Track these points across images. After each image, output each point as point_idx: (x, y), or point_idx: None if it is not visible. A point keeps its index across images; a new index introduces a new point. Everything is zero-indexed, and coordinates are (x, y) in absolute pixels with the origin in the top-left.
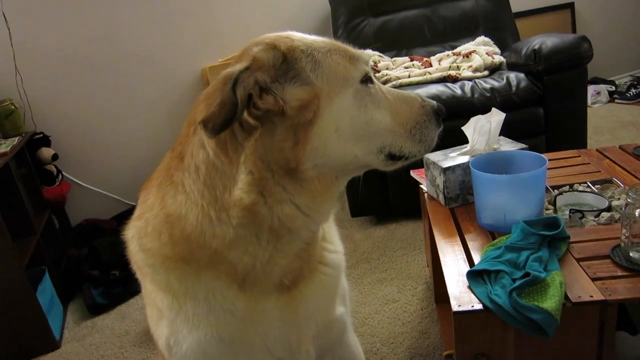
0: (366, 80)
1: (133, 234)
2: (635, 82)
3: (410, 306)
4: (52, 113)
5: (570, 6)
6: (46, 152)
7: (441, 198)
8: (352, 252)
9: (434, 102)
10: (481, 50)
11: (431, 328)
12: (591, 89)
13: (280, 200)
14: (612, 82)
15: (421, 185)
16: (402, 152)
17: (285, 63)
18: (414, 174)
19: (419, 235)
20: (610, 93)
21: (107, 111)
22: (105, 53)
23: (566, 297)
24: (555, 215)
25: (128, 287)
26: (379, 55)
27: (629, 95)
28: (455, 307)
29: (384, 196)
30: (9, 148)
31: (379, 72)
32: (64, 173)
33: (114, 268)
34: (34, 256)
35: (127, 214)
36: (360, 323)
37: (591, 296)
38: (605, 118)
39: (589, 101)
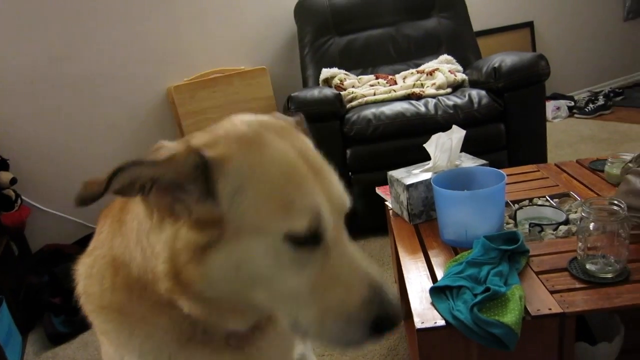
0: (301, 240)
1: (80, 273)
2: (593, 98)
3: None
4: (10, 135)
5: (530, 25)
6: (4, 176)
7: (405, 214)
8: None
9: (386, 310)
10: (444, 68)
11: (400, 344)
12: (551, 105)
13: (191, 299)
14: (571, 98)
15: (386, 202)
16: (306, 333)
17: (203, 175)
18: (379, 191)
19: (387, 251)
20: (570, 108)
21: (69, 133)
22: (67, 73)
23: (526, 310)
24: (514, 229)
25: None
26: (345, 74)
27: (587, 110)
28: (418, 324)
29: (352, 213)
30: None
31: (344, 89)
32: (23, 197)
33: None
34: None
35: (89, 238)
36: None
37: (550, 309)
38: (565, 132)
39: (550, 116)
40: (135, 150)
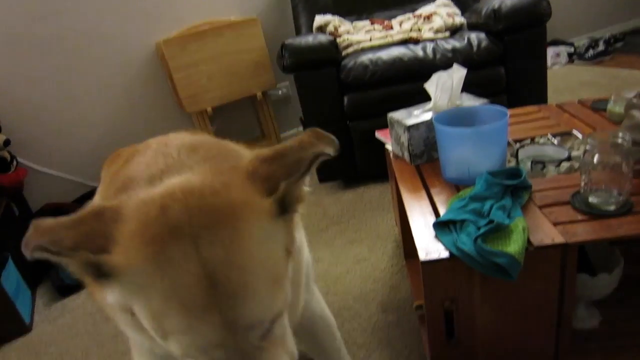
0: None
1: None
2: (593, 44)
3: (381, 264)
4: (0, 97)
5: None
6: None
7: (406, 156)
8: (321, 216)
9: None
10: (442, 11)
11: (401, 283)
12: (551, 51)
13: None
14: (571, 44)
15: (386, 146)
16: None
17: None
18: (378, 134)
19: (387, 197)
20: (570, 55)
21: (60, 92)
22: (53, 31)
23: (529, 241)
24: (516, 166)
25: None
26: (339, 20)
27: (587, 56)
28: (423, 256)
29: (351, 160)
30: None
31: (339, 36)
32: (18, 159)
33: None
34: None
35: (89, 195)
36: (332, 282)
37: (553, 239)
38: (565, 79)
39: (549, 63)
40: (128, 106)
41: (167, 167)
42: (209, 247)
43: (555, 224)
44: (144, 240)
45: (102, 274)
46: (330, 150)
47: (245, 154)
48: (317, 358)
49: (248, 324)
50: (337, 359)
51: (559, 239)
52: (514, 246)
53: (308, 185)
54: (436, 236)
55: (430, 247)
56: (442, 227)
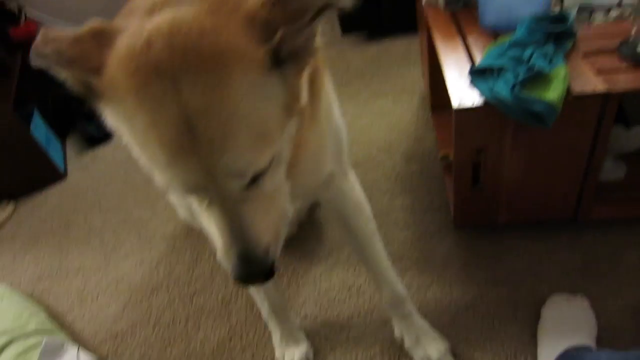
0: None
1: None
2: None
3: (406, 116)
4: None
5: None
6: None
7: (441, 2)
8: (344, 70)
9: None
10: None
11: (427, 135)
12: None
13: None
14: None
15: None
16: None
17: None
18: None
19: (415, 49)
20: None
21: None
22: None
23: (569, 90)
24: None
25: None
26: None
27: None
28: (456, 104)
29: (376, 10)
30: None
31: None
32: (27, 15)
33: None
34: (17, 98)
35: None
36: (356, 134)
37: (594, 88)
38: None
39: None
40: None
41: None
42: (189, 91)
43: (598, 73)
44: (128, 72)
45: (93, 94)
46: (344, 2)
47: None
48: (350, 244)
49: (226, 172)
50: (368, 246)
51: (600, 87)
52: (553, 93)
53: (322, 39)
54: (471, 83)
55: (464, 95)
56: (478, 74)
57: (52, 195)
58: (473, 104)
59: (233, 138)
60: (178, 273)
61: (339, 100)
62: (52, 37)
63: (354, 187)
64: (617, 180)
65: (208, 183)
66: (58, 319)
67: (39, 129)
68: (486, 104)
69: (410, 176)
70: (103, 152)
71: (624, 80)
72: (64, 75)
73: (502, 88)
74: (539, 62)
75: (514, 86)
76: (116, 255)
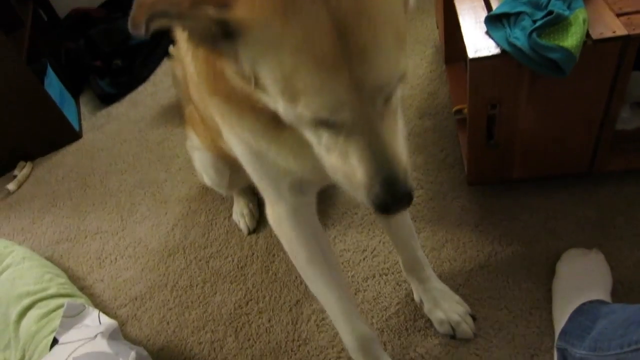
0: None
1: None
2: None
3: (419, 69)
4: None
5: None
6: None
7: None
8: None
9: (378, 203)
10: None
11: (440, 89)
12: None
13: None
14: None
15: None
16: None
17: (225, 38)
18: None
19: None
20: None
21: None
22: None
23: (587, 35)
24: None
25: (134, 75)
26: None
27: None
28: (471, 54)
29: None
30: None
31: None
32: None
33: (115, 57)
34: (30, 51)
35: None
36: None
37: (614, 32)
38: None
39: None
40: None
41: None
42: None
43: (618, 15)
44: None
45: (227, 34)
46: None
47: None
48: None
49: (377, 84)
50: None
51: (621, 30)
52: (571, 40)
53: None
54: (487, 32)
55: (479, 44)
56: (494, 21)
57: (68, 155)
58: (489, 53)
59: (382, 40)
60: (194, 236)
61: None
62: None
63: None
64: (635, 129)
65: (356, 100)
66: (77, 283)
67: (53, 85)
68: (502, 53)
69: (424, 132)
70: (117, 110)
71: None
72: (186, 26)
73: (519, 35)
74: (557, 7)
75: (531, 33)
76: (132, 218)
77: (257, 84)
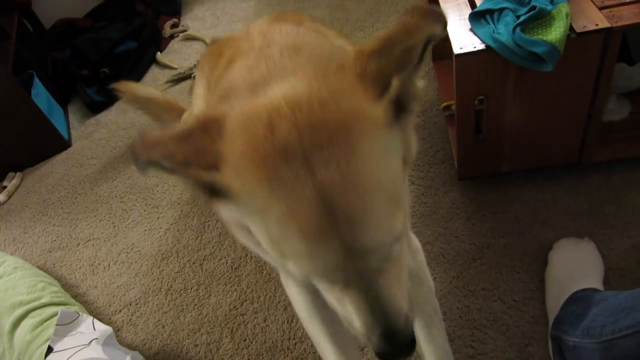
0: None
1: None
2: None
3: None
4: None
5: None
6: None
7: None
8: (344, 21)
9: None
10: None
11: (428, 86)
12: None
13: None
14: None
15: None
16: None
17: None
18: None
19: None
20: None
21: None
22: None
23: (571, 28)
24: None
25: None
26: None
27: None
28: (457, 50)
29: None
30: None
31: None
32: None
33: (102, 66)
34: (16, 62)
35: (101, 8)
36: None
37: (597, 24)
38: None
39: None
40: None
41: (269, 72)
42: (323, 169)
43: (601, 8)
44: (254, 162)
45: (216, 192)
46: (439, 29)
47: (349, 48)
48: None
49: (368, 247)
50: (427, 326)
51: (603, 23)
52: (555, 34)
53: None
54: (471, 29)
55: (464, 40)
56: (478, 18)
57: (58, 165)
58: (474, 49)
59: (372, 209)
60: (187, 239)
61: None
62: (155, 141)
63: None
64: (622, 119)
65: (347, 263)
66: (71, 290)
67: (41, 95)
68: (487, 49)
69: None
70: (105, 117)
71: (629, 15)
72: (179, 179)
73: (503, 31)
74: (540, 2)
75: (514, 28)
76: (124, 224)
77: (250, 232)
